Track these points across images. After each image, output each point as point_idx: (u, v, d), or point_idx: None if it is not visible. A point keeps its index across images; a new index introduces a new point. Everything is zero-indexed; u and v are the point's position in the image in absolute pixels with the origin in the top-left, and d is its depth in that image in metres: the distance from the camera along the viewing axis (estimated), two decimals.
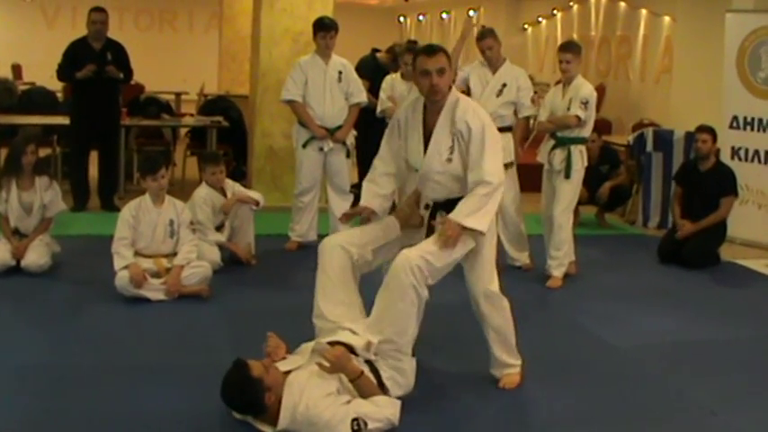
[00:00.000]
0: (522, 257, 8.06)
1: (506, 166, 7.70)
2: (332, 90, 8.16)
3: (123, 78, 9.75)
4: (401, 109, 5.24)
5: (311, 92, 8.12)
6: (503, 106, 7.82)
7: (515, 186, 7.89)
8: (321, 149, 8.18)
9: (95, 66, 9.37)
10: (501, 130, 7.62)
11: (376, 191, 5.18)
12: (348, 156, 8.35)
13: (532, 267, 8.04)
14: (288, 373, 4.50)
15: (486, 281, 5.07)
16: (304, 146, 8.20)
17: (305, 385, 4.39)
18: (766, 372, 5.71)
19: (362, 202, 5.17)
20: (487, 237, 4.98)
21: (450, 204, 4.92)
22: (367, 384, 4.56)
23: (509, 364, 5.24)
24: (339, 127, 8.20)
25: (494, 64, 7.95)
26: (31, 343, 5.63)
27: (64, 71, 9.62)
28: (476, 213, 4.77)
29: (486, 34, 8.03)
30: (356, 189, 7.27)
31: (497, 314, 5.13)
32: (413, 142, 5.05)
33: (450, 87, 4.98)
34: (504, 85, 7.86)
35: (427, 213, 5.13)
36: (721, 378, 5.58)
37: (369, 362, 4.68)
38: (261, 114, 10.26)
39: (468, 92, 7.79)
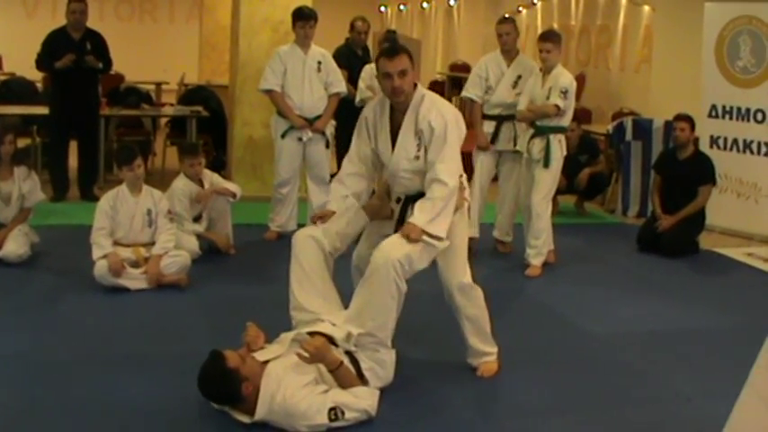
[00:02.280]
0: (510, 235, 8.32)
1: (519, 152, 7.87)
2: (311, 80, 8.14)
3: (102, 68, 9.71)
4: (368, 108, 5.21)
5: (290, 81, 8.10)
6: (517, 96, 7.90)
7: (518, 173, 8.08)
8: (300, 139, 8.17)
9: (74, 56, 9.34)
10: (515, 117, 7.86)
11: (343, 192, 5.14)
12: (327, 146, 8.34)
13: (511, 251, 8.18)
14: (266, 363, 4.51)
15: (460, 274, 5.09)
16: (283, 136, 8.19)
17: (282, 376, 4.39)
18: (743, 359, 5.66)
19: (329, 205, 5.15)
20: (458, 231, 5.03)
21: (421, 197, 4.93)
22: (346, 375, 4.57)
23: (485, 353, 5.26)
24: (318, 117, 8.18)
25: (509, 53, 8.03)
26: (8, 332, 5.62)
27: (43, 61, 9.57)
28: (436, 219, 4.77)
29: (505, 20, 8.20)
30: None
31: (471, 305, 5.15)
32: (381, 141, 5.07)
33: (415, 86, 4.96)
34: (519, 77, 7.96)
35: (398, 207, 5.15)
36: (698, 365, 5.62)
37: (348, 353, 4.69)
38: (240, 104, 10.23)
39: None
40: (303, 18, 8.11)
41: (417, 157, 4.93)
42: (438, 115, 4.90)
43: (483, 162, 8.13)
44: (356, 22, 10.10)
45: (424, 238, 4.72)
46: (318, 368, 4.51)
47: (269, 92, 8.20)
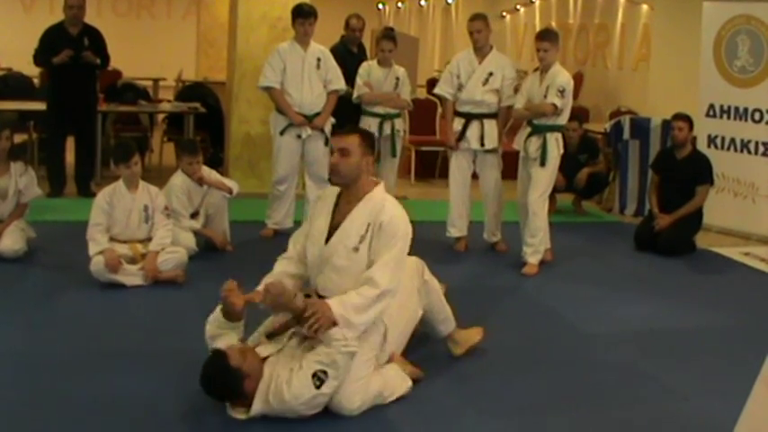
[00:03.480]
0: (496, 235, 8.27)
1: (491, 150, 7.84)
2: (310, 77, 8.13)
3: (100, 64, 9.70)
4: (316, 197, 5.05)
5: (289, 78, 8.09)
6: (488, 94, 7.92)
7: (498, 170, 8.10)
8: (299, 137, 8.16)
9: (72, 51, 9.32)
10: (487, 116, 7.84)
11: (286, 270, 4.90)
12: (327, 143, 8.30)
13: (507, 249, 8.16)
14: (266, 358, 4.51)
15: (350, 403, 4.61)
16: (281, 133, 8.18)
17: (274, 370, 4.40)
18: (740, 358, 5.73)
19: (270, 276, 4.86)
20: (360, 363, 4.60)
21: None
22: (318, 305, 4.47)
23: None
24: (317, 114, 8.16)
25: (481, 50, 8.00)
26: (3, 329, 5.61)
27: (40, 56, 9.55)
28: (356, 311, 4.48)
29: (477, 16, 8.11)
30: None
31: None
32: (318, 225, 4.79)
33: (372, 183, 4.76)
34: (491, 74, 7.94)
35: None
36: (695, 364, 5.61)
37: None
38: (238, 101, 10.22)
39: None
40: (303, 15, 8.09)
41: (356, 249, 4.63)
42: (402, 221, 4.69)
43: (456, 161, 8.17)
44: (351, 20, 10.07)
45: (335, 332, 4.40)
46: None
47: (268, 89, 8.18)
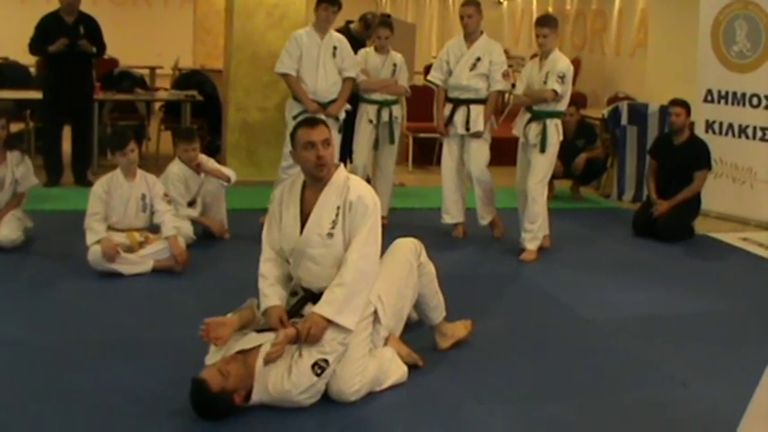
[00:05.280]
0: (485, 218, 8.26)
1: (475, 134, 7.84)
2: (326, 65, 8.12)
3: (96, 52, 9.67)
4: (277, 191, 4.96)
5: (305, 66, 8.08)
6: (476, 79, 7.93)
7: (486, 152, 8.09)
8: None
9: (68, 40, 9.29)
10: (475, 102, 7.84)
11: (268, 284, 4.77)
12: (340, 131, 8.29)
13: (504, 232, 8.21)
14: (244, 352, 4.46)
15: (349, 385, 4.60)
16: (294, 118, 8.18)
17: (269, 377, 4.39)
18: (738, 344, 5.73)
19: (267, 301, 4.71)
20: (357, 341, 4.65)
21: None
22: (313, 332, 4.44)
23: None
24: (332, 101, 8.16)
25: (471, 36, 7.99)
26: (1, 319, 5.59)
27: (36, 45, 9.52)
28: (345, 309, 4.47)
29: (468, 2, 8.05)
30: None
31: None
32: (288, 219, 4.74)
33: (337, 165, 4.78)
34: (479, 59, 7.93)
35: (293, 300, 4.79)
36: (693, 351, 5.60)
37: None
38: (235, 88, 10.19)
39: None
40: (328, 1, 8.08)
41: (331, 235, 4.61)
42: (369, 195, 4.69)
43: (447, 146, 8.21)
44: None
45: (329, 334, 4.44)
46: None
47: (284, 75, 8.18)
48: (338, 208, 4.62)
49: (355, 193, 4.64)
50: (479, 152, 8.07)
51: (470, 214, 8.24)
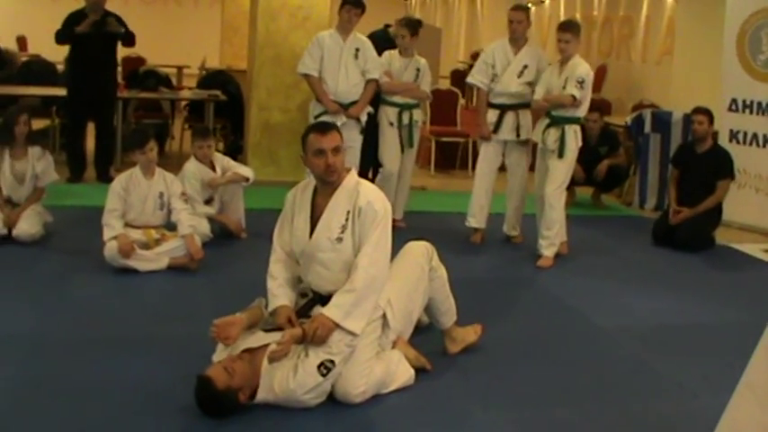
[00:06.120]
0: (516, 229, 8.30)
1: (524, 142, 7.84)
2: (347, 66, 8.15)
3: (126, 40, 9.69)
4: (291, 193, 4.94)
5: (326, 67, 8.13)
6: (522, 86, 7.90)
7: (527, 163, 8.13)
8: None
9: (95, 18, 9.33)
10: (521, 107, 7.85)
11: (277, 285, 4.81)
12: (362, 132, 8.32)
13: (522, 240, 8.22)
14: (250, 350, 4.47)
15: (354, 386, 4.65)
16: (316, 119, 8.20)
17: (275, 376, 4.39)
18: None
19: (276, 301, 4.76)
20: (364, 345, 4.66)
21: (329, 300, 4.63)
22: (320, 333, 4.45)
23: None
24: (353, 103, 8.19)
25: (517, 41, 7.98)
26: (16, 312, 5.63)
27: (62, 31, 9.51)
28: (353, 313, 4.48)
29: (519, 7, 8.09)
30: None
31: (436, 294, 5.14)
32: (299, 223, 4.77)
33: (348, 169, 4.76)
34: (525, 66, 7.93)
35: (302, 301, 4.81)
36: (706, 361, 5.55)
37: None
38: (257, 88, 10.21)
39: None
40: (351, 3, 8.10)
41: (340, 239, 4.61)
42: (379, 200, 4.68)
43: (486, 151, 8.12)
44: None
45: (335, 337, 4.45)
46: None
47: (306, 76, 8.22)
48: (348, 213, 4.63)
49: (365, 199, 4.63)
50: (525, 162, 8.11)
51: (489, 220, 8.22)
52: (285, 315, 4.60)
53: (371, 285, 4.55)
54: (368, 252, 4.57)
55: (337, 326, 4.44)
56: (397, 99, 8.55)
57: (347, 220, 4.62)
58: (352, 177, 4.74)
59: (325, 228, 4.64)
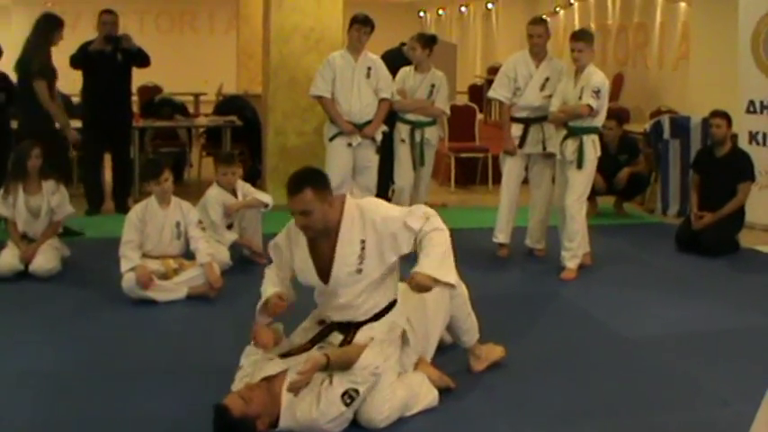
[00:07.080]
0: (541, 243, 8.20)
1: (549, 155, 7.79)
2: (360, 86, 8.13)
3: (141, 61, 9.68)
4: (284, 231, 4.88)
5: (339, 88, 8.12)
6: (546, 99, 7.82)
7: (552, 177, 8.04)
8: (350, 145, 8.14)
9: (108, 31, 9.41)
10: (545, 119, 7.79)
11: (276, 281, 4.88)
12: (378, 152, 8.30)
13: (545, 253, 8.14)
14: (268, 378, 4.44)
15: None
16: (331, 139, 8.17)
17: (298, 405, 4.36)
18: None
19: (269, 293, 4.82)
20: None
21: (357, 324, 4.64)
22: (342, 359, 4.45)
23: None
24: (368, 122, 8.17)
25: (538, 55, 7.91)
26: (34, 348, 5.61)
27: (76, 55, 9.57)
28: (444, 265, 4.48)
29: (538, 21, 8.08)
30: None
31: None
32: (300, 257, 4.71)
33: (337, 208, 4.56)
34: (547, 79, 7.85)
35: (317, 329, 4.78)
36: (735, 368, 5.47)
37: None
38: (273, 112, 10.20)
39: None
40: (359, 21, 8.11)
41: (360, 271, 4.53)
42: (384, 209, 4.68)
43: (510, 166, 8.03)
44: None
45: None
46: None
47: (319, 98, 8.19)
48: (362, 242, 4.54)
49: (371, 218, 4.55)
50: (550, 175, 8.03)
51: (512, 233, 8.15)
52: (275, 296, 4.69)
53: (447, 241, 4.53)
54: (426, 228, 4.53)
55: (436, 281, 4.40)
56: (410, 116, 8.53)
57: (363, 248, 4.53)
58: (351, 209, 4.59)
59: (340, 270, 4.55)
